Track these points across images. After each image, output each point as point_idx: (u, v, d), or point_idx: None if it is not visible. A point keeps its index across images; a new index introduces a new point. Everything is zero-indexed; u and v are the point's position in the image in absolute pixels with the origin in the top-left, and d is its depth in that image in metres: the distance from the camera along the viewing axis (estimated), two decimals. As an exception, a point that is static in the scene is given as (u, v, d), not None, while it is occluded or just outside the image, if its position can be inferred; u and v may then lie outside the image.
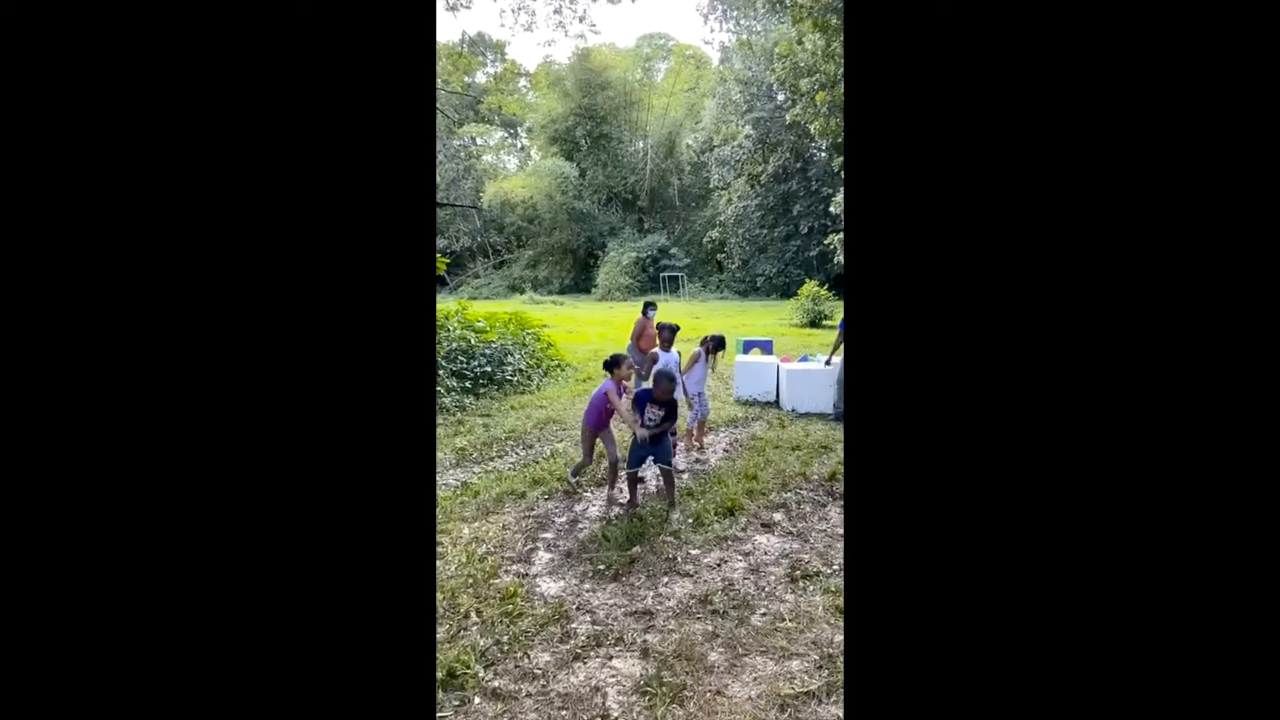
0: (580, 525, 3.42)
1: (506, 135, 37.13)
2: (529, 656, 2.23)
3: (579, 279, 29.40)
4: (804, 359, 6.79)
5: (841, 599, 2.59)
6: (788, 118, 17.03)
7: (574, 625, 2.43)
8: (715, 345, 4.86)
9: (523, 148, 37.44)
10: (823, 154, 22.59)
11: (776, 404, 6.33)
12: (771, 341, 8.08)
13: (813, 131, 16.26)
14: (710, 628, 2.39)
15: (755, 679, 2.08)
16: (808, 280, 15.80)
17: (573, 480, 4.03)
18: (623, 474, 3.76)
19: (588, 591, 2.70)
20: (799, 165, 24.06)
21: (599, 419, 3.85)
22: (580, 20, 27.66)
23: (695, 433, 4.86)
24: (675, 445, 4.63)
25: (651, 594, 2.67)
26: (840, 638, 2.32)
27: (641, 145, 30.79)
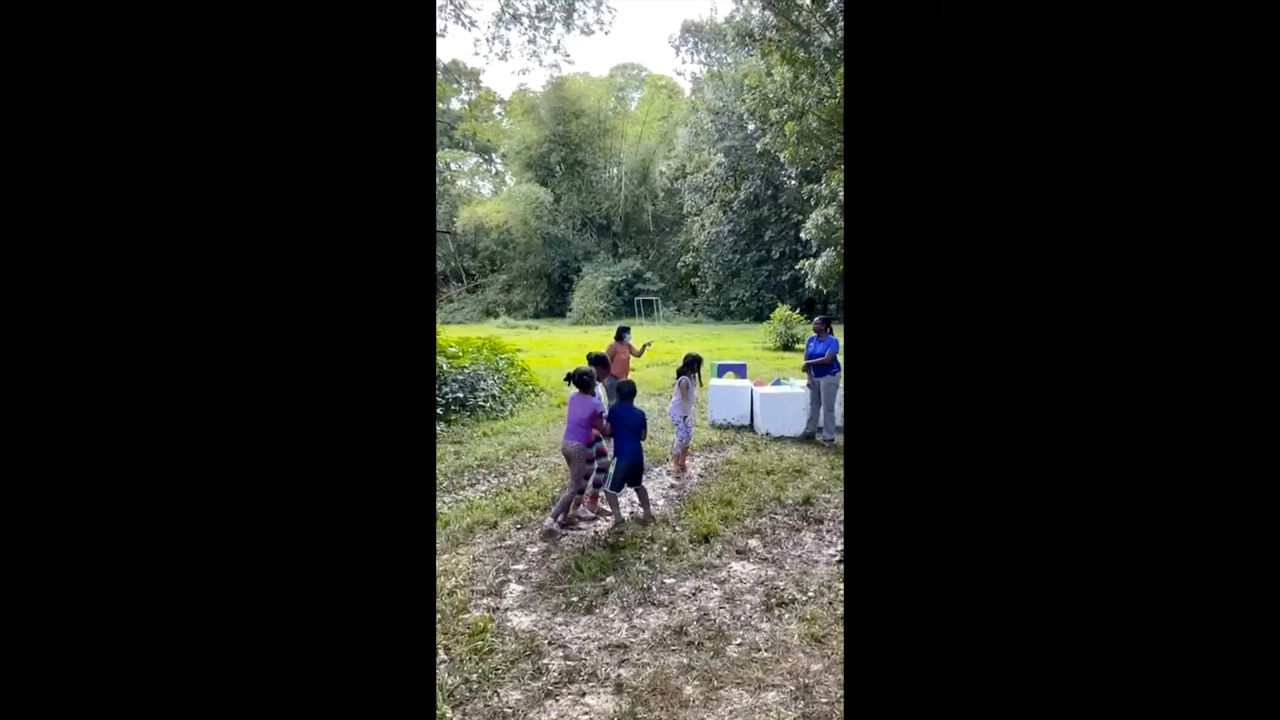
0: (553, 556, 3.35)
1: (481, 161, 37.26)
2: (499, 695, 2.15)
3: (554, 303, 29.36)
4: (777, 382, 6.85)
5: (816, 626, 2.57)
6: (758, 146, 17.46)
7: (546, 661, 2.36)
8: (693, 365, 4.91)
9: (497, 173, 37.60)
10: (793, 182, 23.17)
11: (751, 427, 6.35)
12: (745, 365, 8.14)
13: (783, 159, 16.67)
14: (685, 660, 2.35)
15: (731, 713, 2.04)
16: (780, 304, 16.02)
17: (557, 525, 3.67)
18: (602, 494, 3.78)
19: (560, 625, 2.63)
20: (770, 192, 24.61)
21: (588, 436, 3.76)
22: (554, 50, 28.10)
23: (677, 458, 4.86)
24: (647, 470, 4.61)
25: (626, 626, 2.61)
26: (816, 666, 2.30)
27: (616, 172, 31.18)
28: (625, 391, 3.93)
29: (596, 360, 4.38)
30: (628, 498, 4.06)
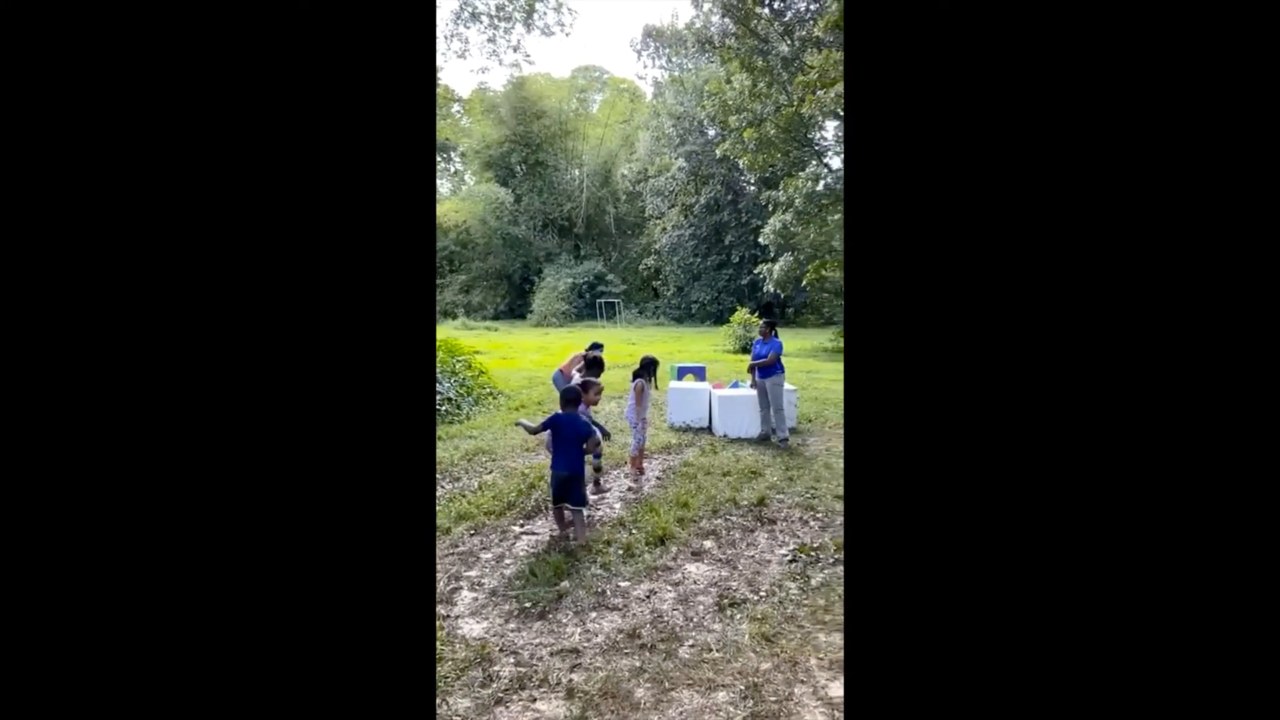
0: (506, 562, 3.31)
1: (439, 159, 36.59)
2: (446, 703, 2.11)
3: (514, 304, 29.03)
4: (735, 385, 6.94)
5: (766, 626, 2.61)
6: (718, 152, 17.69)
7: (496, 668, 2.33)
8: (648, 367, 4.94)
9: (456, 172, 36.98)
10: (752, 187, 23.55)
11: (709, 430, 6.42)
12: (705, 368, 8.22)
13: (742, 166, 16.94)
14: (638, 663, 2.35)
15: (681, 714, 2.06)
16: (740, 308, 16.25)
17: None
18: (553, 509, 3.69)
19: (512, 631, 2.60)
20: (730, 197, 24.95)
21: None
22: (514, 50, 27.86)
23: (634, 461, 4.87)
24: (606, 471, 4.60)
25: (579, 631, 2.60)
26: (766, 665, 2.33)
27: (578, 173, 31.07)
28: (568, 399, 3.70)
29: (593, 363, 4.40)
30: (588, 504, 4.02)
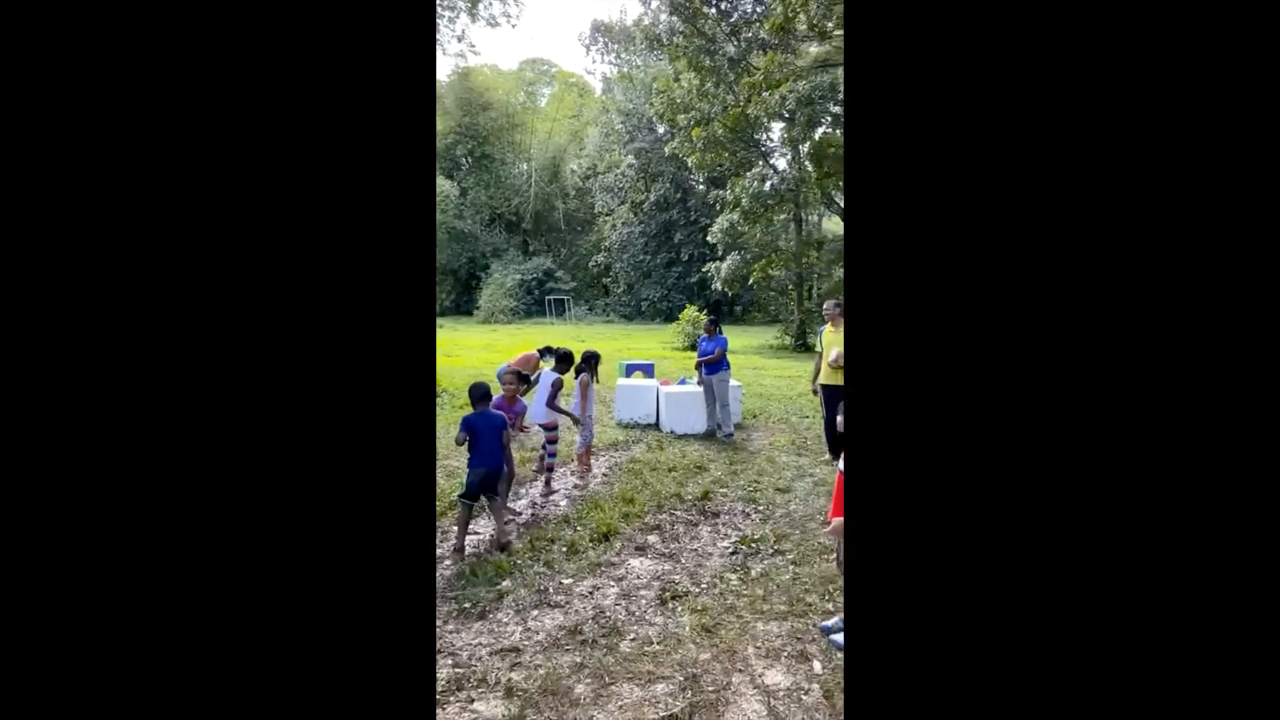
0: (445, 562, 3.24)
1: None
2: (380, 712, 2.05)
3: (460, 301, 28.40)
4: (683, 381, 7.01)
5: (707, 617, 2.66)
6: (667, 150, 17.80)
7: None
8: (590, 361, 4.93)
9: (399, 163, 35.74)
10: (701, 186, 23.81)
11: (657, 426, 6.46)
12: (653, 365, 8.27)
13: (691, 165, 17.10)
14: (579, 659, 2.35)
15: (620, 707, 2.07)
16: (689, 305, 16.42)
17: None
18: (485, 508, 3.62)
19: (450, 632, 2.55)
20: (679, 195, 25.15)
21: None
22: (459, 40, 27.16)
23: (581, 457, 4.85)
24: (553, 469, 4.57)
25: (520, 629, 2.58)
26: (705, 655, 2.37)
27: (526, 167, 30.63)
28: (477, 396, 3.59)
29: (563, 357, 4.85)
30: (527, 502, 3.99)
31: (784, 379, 9.69)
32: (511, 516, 3.85)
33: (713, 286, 17.31)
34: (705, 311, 15.60)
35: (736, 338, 16.43)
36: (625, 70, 27.91)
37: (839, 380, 4.77)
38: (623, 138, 26.33)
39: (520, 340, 14.20)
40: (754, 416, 7.01)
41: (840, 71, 11.39)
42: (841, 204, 23.43)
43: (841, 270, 23.10)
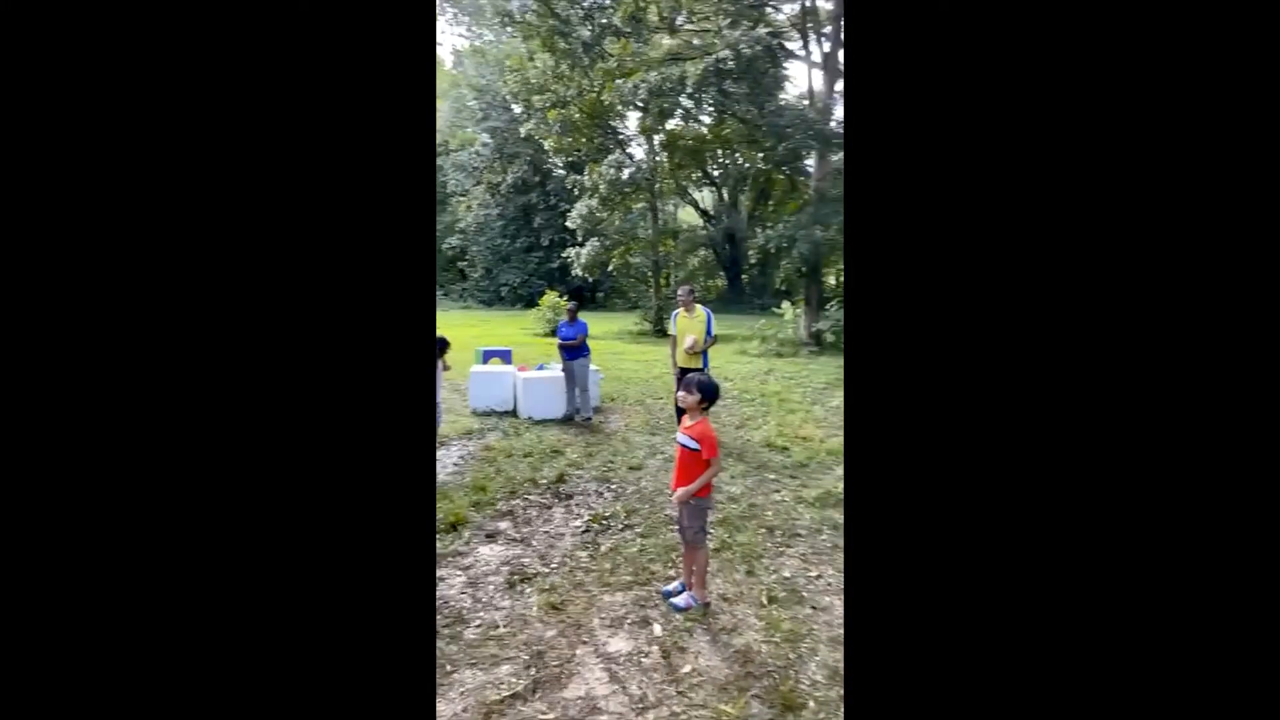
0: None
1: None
2: None
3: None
4: (541, 367, 6.96)
5: (554, 596, 2.71)
6: (523, 131, 17.34)
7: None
8: (439, 347, 4.73)
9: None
10: (560, 170, 23.56)
11: (514, 413, 6.37)
12: (510, 351, 8.11)
13: (548, 148, 16.83)
14: (420, 653, 2.28)
15: (462, 693, 2.05)
16: (549, 291, 16.26)
17: None
18: None
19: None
20: (538, 179, 24.67)
21: None
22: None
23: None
24: None
25: (356, 631, 2.44)
26: (551, 633, 2.42)
27: (369, 141, 28.14)
28: None
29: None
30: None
31: (643, 363, 10.00)
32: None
33: (574, 272, 17.30)
34: (566, 297, 15.58)
35: (598, 323, 16.61)
36: (477, 44, 26.68)
37: (695, 364, 5.04)
38: (475, 115, 25.20)
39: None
40: (612, 400, 7.17)
41: (689, 65, 11.83)
42: (693, 195, 24.53)
43: (696, 259, 24.26)
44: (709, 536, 3.03)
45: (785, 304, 12.47)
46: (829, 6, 12.81)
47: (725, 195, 24.12)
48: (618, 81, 12.82)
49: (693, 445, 2.51)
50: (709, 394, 2.61)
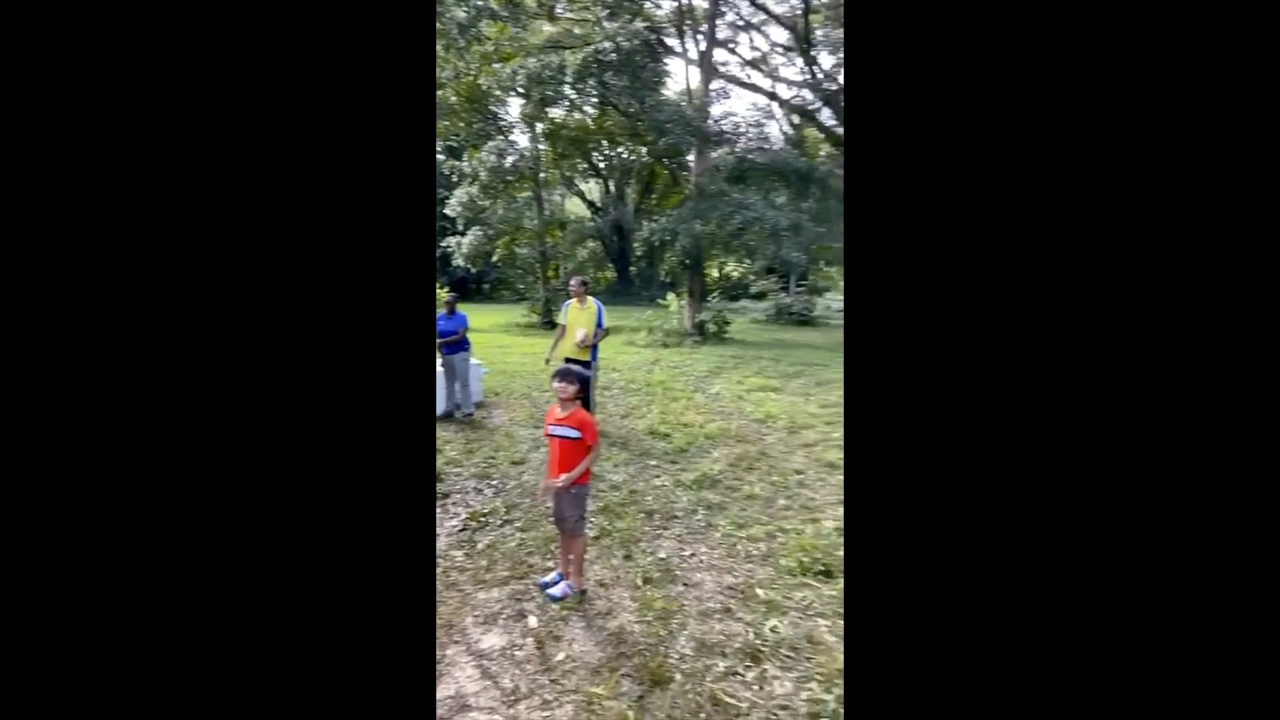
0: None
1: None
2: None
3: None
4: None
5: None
6: (396, 113, 16.28)
7: None
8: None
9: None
10: (440, 155, 22.44)
11: (387, 412, 6.02)
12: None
13: (423, 131, 15.93)
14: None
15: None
16: (429, 282, 15.48)
17: None
18: None
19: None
20: (415, 164, 23.37)
21: None
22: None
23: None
24: None
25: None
26: (421, 636, 2.34)
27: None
28: None
29: None
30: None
31: (529, 355, 9.85)
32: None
33: (454, 263, 16.61)
34: (446, 289, 14.91)
35: (485, 315, 16.13)
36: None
37: (584, 356, 5.02)
38: (343, 93, 23.33)
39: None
40: (496, 394, 7.00)
41: (569, 54, 11.72)
42: (580, 186, 24.45)
43: (585, 250, 24.23)
44: (588, 524, 3.07)
45: (670, 296, 12.83)
46: (705, 5, 13.24)
47: (612, 187, 24.28)
48: (495, 66, 12.43)
49: (573, 434, 2.53)
50: (585, 384, 2.66)
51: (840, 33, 19.27)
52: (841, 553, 3.10)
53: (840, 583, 2.80)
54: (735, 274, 24.59)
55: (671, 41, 13.72)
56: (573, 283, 5.26)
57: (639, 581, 2.79)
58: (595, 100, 13.83)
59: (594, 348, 5.08)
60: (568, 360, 5.15)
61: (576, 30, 12.94)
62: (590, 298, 5.14)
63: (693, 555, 3.09)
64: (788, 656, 2.27)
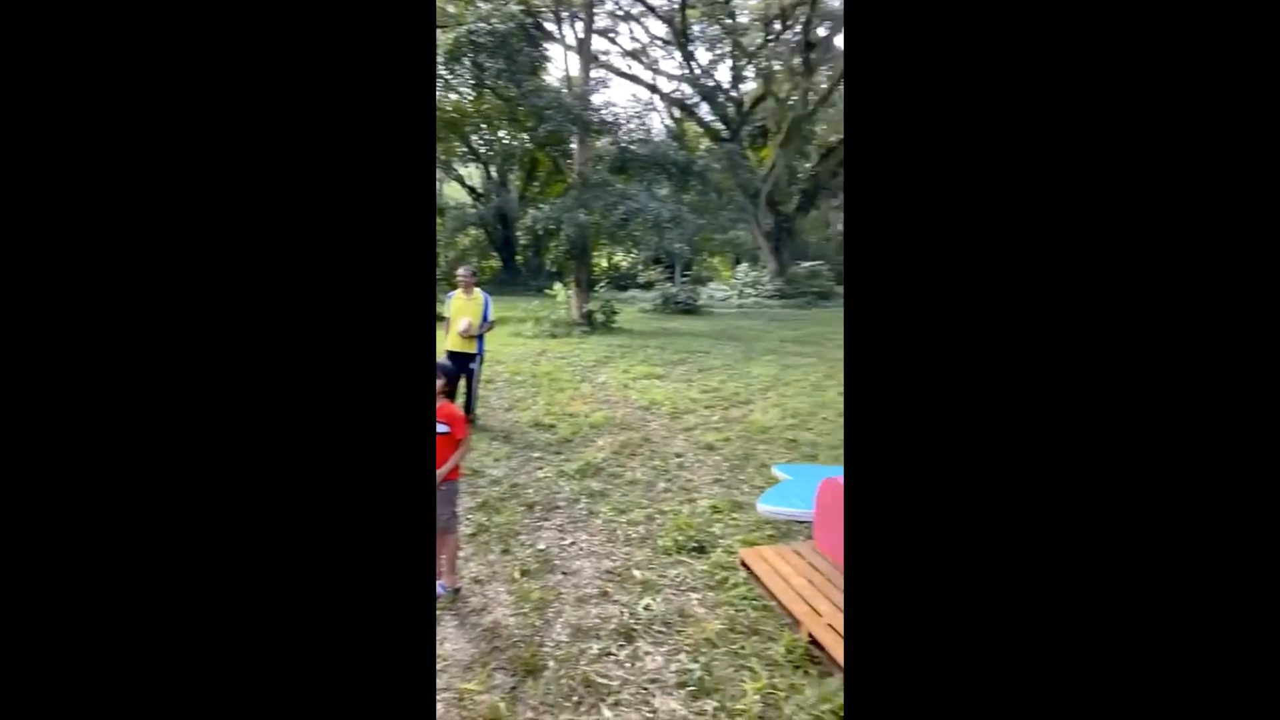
0: None
1: None
2: None
3: None
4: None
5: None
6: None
7: None
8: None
9: None
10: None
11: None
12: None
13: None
14: None
15: None
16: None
17: None
18: None
19: None
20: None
21: None
22: None
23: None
24: None
25: None
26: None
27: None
28: None
29: None
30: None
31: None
32: None
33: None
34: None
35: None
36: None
37: (469, 348, 4.84)
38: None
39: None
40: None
41: (441, 34, 11.14)
42: (458, 170, 23.44)
43: (467, 238, 23.29)
44: (461, 521, 2.99)
45: (558, 285, 12.71)
46: (582, -8, 13.12)
47: (494, 173, 23.53)
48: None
49: (442, 429, 2.45)
50: (453, 377, 2.60)
51: (716, 29, 19.94)
52: (715, 529, 3.27)
53: (713, 557, 2.96)
54: (624, 264, 24.84)
55: (550, 26, 13.50)
56: (461, 272, 5.09)
57: (516, 574, 2.78)
58: (471, 82, 13.28)
59: (480, 339, 4.95)
60: (450, 353, 4.97)
61: (450, 9, 12.33)
62: (478, 289, 5.00)
63: (573, 544, 3.12)
64: (660, 632, 2.37)
